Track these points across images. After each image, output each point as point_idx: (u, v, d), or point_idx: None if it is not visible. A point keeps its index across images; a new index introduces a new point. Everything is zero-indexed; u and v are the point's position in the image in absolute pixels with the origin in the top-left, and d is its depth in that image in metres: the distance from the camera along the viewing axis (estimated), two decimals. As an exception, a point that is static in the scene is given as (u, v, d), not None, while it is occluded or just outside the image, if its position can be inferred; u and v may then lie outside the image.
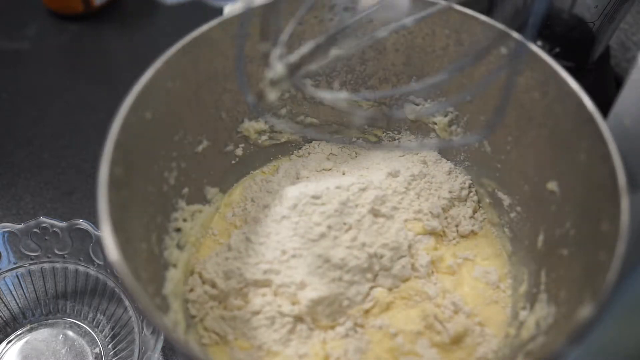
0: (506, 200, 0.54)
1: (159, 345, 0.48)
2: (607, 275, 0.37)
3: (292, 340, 0.47)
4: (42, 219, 0.54)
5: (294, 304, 0.48)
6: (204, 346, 0.47)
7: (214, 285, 0.49)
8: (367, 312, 0.49)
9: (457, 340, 0.47)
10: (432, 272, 0.52)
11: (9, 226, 0.53)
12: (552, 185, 0.47)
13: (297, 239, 0.49)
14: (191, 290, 0.50)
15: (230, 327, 0.48)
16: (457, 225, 0.55)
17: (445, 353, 0.47)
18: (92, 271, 0.54)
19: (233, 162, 0.57)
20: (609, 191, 0.40)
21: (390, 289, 0.50)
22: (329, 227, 0.49)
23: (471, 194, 0.56)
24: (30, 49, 0.79)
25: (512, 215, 0.53)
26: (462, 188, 0.56)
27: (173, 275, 0.48)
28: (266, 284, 0.49)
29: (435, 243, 0.53)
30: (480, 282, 0.51)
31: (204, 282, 0.50)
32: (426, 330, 0.48)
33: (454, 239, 0.54)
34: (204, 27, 0.48)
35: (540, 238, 0.48)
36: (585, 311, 0.37)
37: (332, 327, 0.48)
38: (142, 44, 0.79)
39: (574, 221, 0.45)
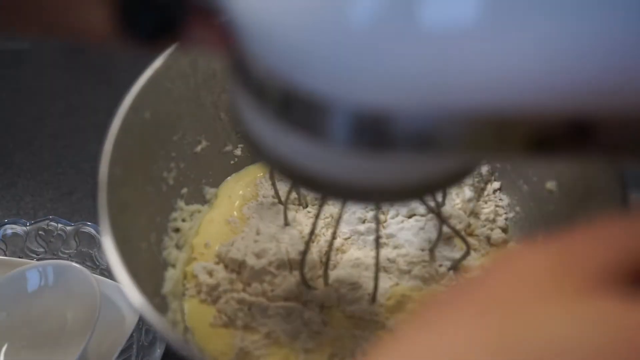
0: (506, 200, 0.53)
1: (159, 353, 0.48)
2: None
3: (302, 333, 0.46)
4: (48, 221, 0.54)
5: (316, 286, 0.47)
6: (213, 327, 0.47)
7: (241, 265, 0.48)
8: (384, 308, 0.48)
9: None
10: (454, 276, 0.50)
11: (15, 227, 0.54)
12: (551, 185, 0.47)
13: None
14: (210, 273, 0.49)
15: (243, 312, 0.47)
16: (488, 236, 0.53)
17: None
18: (96, 275, 0.54)
19: (232, 162, 0.57)
20: (609, 191, 0.40)
21: (411, 290, 0.49)
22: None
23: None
24: (30, 49, 0.79)
25: (512, 215, 0.53)
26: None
27: (172, 275, 0.48)
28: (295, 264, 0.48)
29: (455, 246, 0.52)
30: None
31: (226, 266, 0.49)
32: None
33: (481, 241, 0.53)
34: (204, 27, 0.48)
35: (540, 238, 0.48)
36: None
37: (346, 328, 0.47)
38: (142, 44, 0.80)
39: (573, 221, 0.44)
